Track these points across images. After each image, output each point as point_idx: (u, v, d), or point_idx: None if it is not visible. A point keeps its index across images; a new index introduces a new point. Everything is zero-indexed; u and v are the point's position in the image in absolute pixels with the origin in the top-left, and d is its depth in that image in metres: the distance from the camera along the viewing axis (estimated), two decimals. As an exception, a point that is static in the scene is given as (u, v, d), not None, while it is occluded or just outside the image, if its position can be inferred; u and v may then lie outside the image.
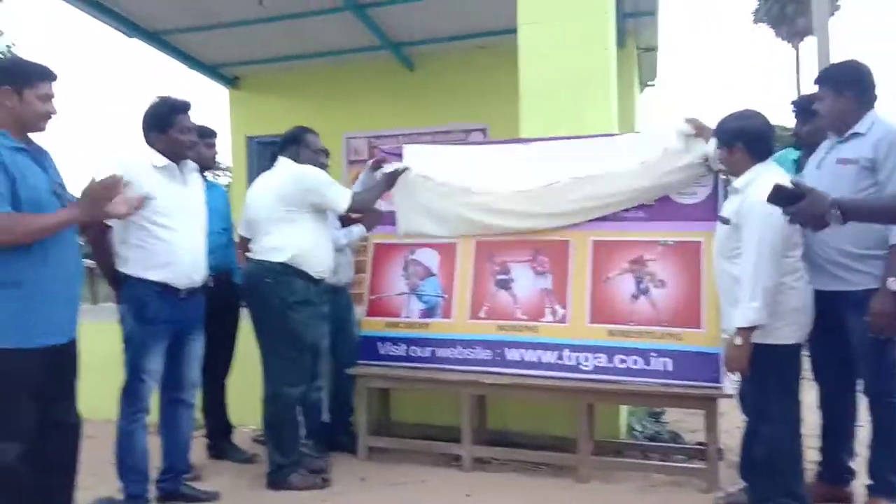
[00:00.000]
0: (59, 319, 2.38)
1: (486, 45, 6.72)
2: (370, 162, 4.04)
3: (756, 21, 28.57)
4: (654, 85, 8.82)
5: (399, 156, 4.28)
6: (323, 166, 3.54)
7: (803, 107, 3.26)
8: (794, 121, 3.39)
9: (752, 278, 2.57)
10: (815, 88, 2.97)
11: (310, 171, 3.40)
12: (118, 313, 2.93)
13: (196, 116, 3.11)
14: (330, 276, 3.73)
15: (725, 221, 2.75)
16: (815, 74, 3.00)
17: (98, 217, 2.56)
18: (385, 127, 7.30)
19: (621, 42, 6.46)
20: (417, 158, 3.92)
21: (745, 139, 2.70)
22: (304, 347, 3.34)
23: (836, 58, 11.72)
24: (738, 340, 2.61)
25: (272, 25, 6.51)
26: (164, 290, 2.87)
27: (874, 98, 2.83)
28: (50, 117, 2.42)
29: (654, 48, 7.30)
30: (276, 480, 3.30)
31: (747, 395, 2.90)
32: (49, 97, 2.41)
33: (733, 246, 2.68)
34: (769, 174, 2.62)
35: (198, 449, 3.73)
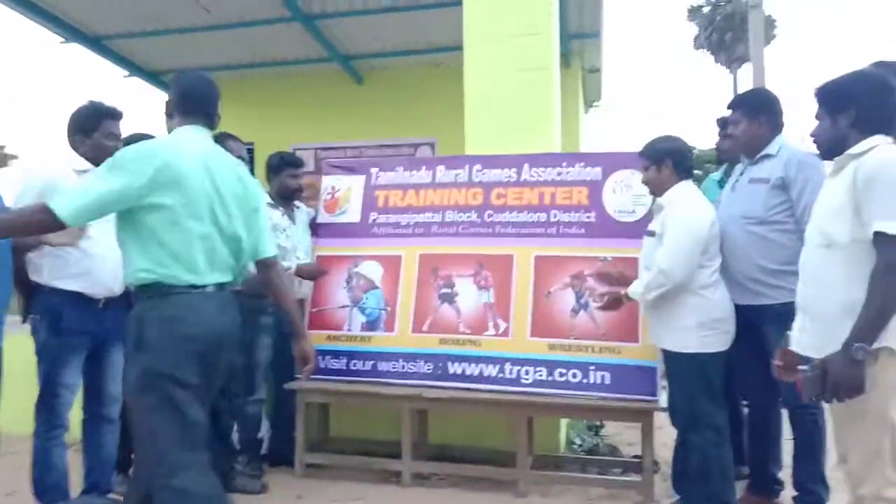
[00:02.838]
0: None
1: (440, 62, 6.77)
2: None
3: (696, 47, 29.62)
4: (599, 105, 9.04)
5: (348, 169, 4.28)
6: None
7: (725, 124, 3.49)
8: (718, 137, 3.64)
9: (663, 261, 2.79)
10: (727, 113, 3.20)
11: None
12: (29, 324, 2.81)
13: (137, 124, 3.04)
14: None
15: (652, 234, 2.95)
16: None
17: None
18: (333, 139, 7.26)
19: (566, 63, 6.62)
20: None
21: (674, 158, 2.95)
22: None
23: (771, 84, 12.27)
24: (623, 295, 3.04)
25: (219, 33, 6.41)
26: (81, 299, 2.76)
27: (782, 124, 3.05)
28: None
29: (598, 70, 7.48)
30: None
31: (675, 407, 2.97)
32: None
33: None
34: (690, 190, 2.94)
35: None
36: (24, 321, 2.82)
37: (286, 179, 3.83)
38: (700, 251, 2.80)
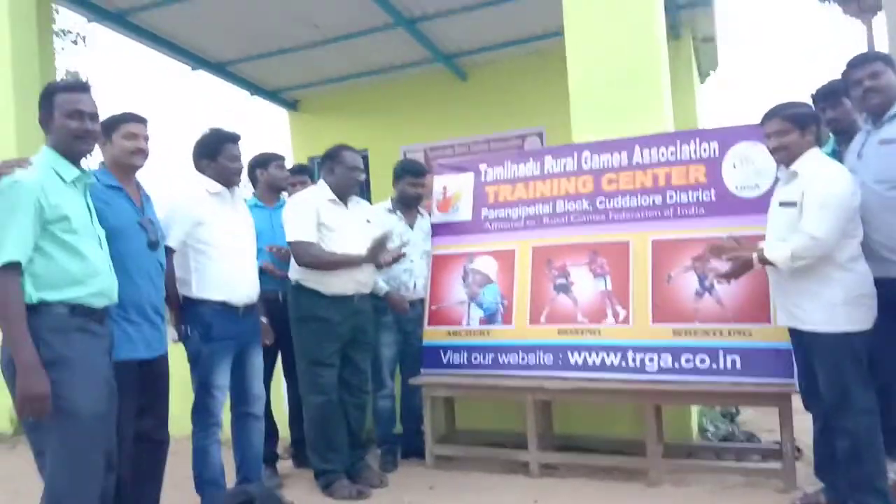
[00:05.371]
0: (145, 335, 2.56)
1: (540, 51, 6.72)
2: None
3: (823, 0, 27.31)
4: (715, 75, 8.59)
5: (457, 168, 4.36)
6: (357, 183, 3.59)
7: (826, 94, 3.15)
8: (818, 110, 3.28)
9: (814, 229, 2.59)
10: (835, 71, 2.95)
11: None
12: (180, 334, 3.06)
13: (258, 141, 3.27)
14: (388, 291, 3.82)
15: (791, 205, 2.73)
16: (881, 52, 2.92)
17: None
18: (441, 138, 7.40)
19: (676, 34, 6.35)
20: None
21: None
22: (311, 361, 3.43)
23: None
24: (756, 261, 2.78)
25: (328, 48, 6.73)
26: (225, 308, 3.01)
27: None
28: (140, 152, 2.66)
29: (712, 38, 7.11)
30: (319, 485, 3.43)
31: (809, 391, 2.79)
32: (133, 135, 2.65)
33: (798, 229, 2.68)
34: (825, 157, 2.79)
35: (286, 458, 3.95)
36: (178, 335, 3.09)
37: (405, 187, 4.00)
38: (848, 218, 2.62)
